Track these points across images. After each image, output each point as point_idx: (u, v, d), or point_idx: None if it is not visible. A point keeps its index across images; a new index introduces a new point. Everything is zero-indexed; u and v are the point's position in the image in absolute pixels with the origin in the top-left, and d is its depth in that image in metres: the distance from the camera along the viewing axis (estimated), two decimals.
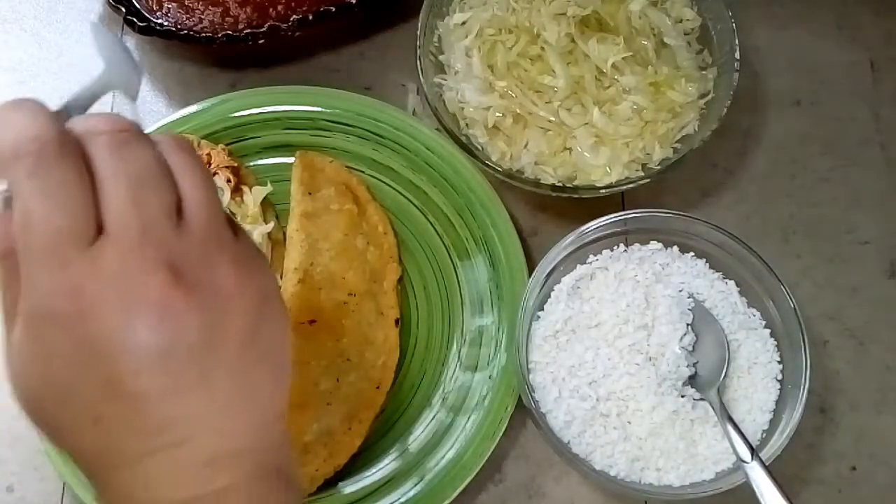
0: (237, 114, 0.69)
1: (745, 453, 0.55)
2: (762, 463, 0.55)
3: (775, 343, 0.61)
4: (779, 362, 0.60)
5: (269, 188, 0.67)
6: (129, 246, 0.32)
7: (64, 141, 0.33)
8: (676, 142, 0.67)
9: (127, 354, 0.32)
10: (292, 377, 0.60)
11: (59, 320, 0.32)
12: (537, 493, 0.63)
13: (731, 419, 0.57)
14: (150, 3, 0.73)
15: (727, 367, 0.60)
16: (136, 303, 0.32)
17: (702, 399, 0.59)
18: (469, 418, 0.62)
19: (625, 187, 0.64)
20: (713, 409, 0.58)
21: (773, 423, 0.59)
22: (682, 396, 0.59)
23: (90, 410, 0.33)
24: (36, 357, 0.33)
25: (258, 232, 0.64)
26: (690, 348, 0.60)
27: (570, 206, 0.68)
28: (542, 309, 0.63)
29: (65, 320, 0.32)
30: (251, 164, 0.69)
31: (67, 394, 0.33)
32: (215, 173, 0.65)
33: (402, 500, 0.60)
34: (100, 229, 0.33)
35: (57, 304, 0.32)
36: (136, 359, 0.32)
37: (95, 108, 0.37)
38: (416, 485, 0.60)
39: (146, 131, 0.65)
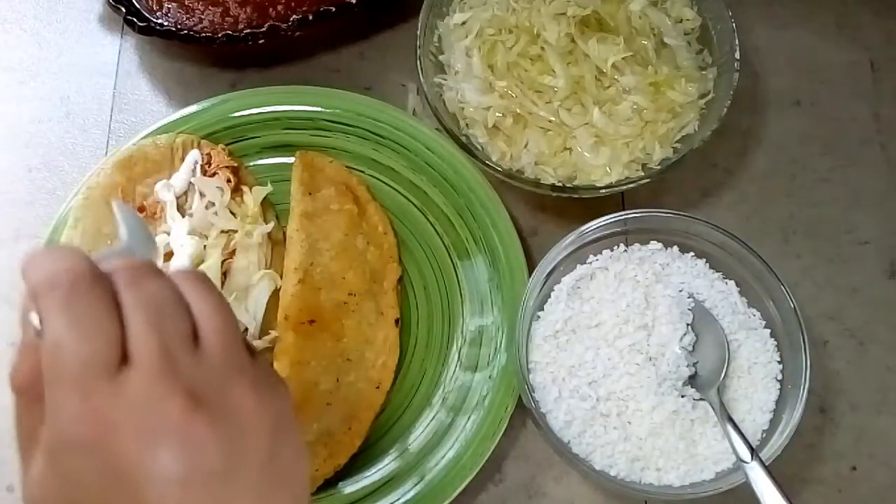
0: (237, 114, 0.69)
1: (744, 453, 0.55)
2: (762, 463, 0.55)
3: (775, 343, 0.61)
4: (779, 362, 0.60)
5: (269, 188, 0.67)
6: (149, 373, 0.34)
7: (95, 273, 0.35)
8: (676, 142, 0.67)
9: (150, 482, 0.33)
10: (291, 378, 0.61)
11: (82, 448, 0.33)
12: (537, 493, 0.63)
13: (730, 419, 0.57)
14: (150, 3, 0.73)
15: (727, 367, 0.60)
16: (158, 429, 0.33)
17: (702, 399, 0.59)
18: (469, 418, 0.62)
19: (625, 187, 0.64)
20: (713, 409, 0.58)
21: (773, 423, 0.59)
22: (682, 396, 0.59)
23: None
24: (59, 486, 0.34)
25: (258, 232, 0.64)
26: (690, 348, 0.60)
27: (570, 206, 0.68)
28: (542, 309, 0.63)
29: (89, 448, 0.33)
30: (251, 164, 0.69)
31: None
32: (215, 173, 0.65)
33: (402, 500, 0.60)
34: (125, 358, 0.34)
35: (81, 431, 0.33)
36: (159, 486, 0.33)
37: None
38: (416, 485, 0.60)
39: (146, 131, 0.67)
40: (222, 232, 0.64)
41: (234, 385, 0.35)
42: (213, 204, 0.64)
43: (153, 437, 0.33)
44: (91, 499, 0.34)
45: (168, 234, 0.63)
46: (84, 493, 0.34)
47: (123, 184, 0.65)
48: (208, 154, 0.66)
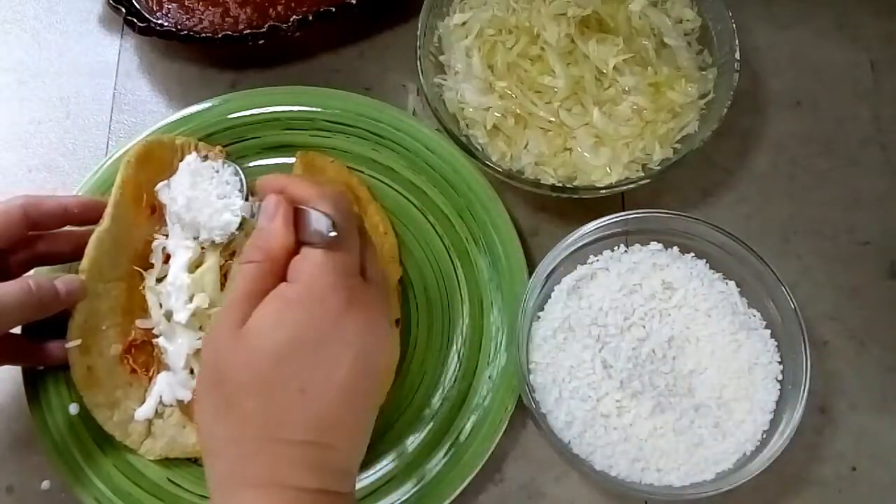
0: (237, 114, 0.69)
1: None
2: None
3: (776, 343, 0.61)
4: (779, 363, 0.60)
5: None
6: (377, 291, 0.51)
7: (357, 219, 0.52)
8: (676, 142, 0.67)
9: (354, 353, 0.47)
10: None
11: (330, 305, 0.47)
12: (537, 493, 0.63)
13: None
14: (150, 3, 0.73)
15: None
16: (376, 327, 0.49)
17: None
18: (469, 419, 0.62)
19: (625, 187, 0.64)
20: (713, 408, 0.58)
21: (774, 423, 0.59)
22: (683, 397, 0.59)
23: (304, 378, 0.46)
24: (290, 324, 0.46)
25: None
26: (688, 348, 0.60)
27: (571, 206, 0.68)
28: (543, 309, 0.63)
29: (335, 307, 0.47)
30: (251, 164, 0.69)
31: (298, 358, 0.46)
32: None
33: (402, 500, 0.60)
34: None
35: (337, 294, 0.47)
36: (357, 364, 0.47)
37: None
38: (415, 485, 0.60)
39: (146, 132, 0.68)
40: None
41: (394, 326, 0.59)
42: None
43: (371, 329, 0.48)
44: (311, 339, 0.46)
45: (167, 236, 0.63)
46: (308, 333, 0.46)
47: (143, 183, 0.64)
48: (205, 156, 0.66)
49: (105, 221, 0.60)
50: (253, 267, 0.48)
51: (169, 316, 0.60)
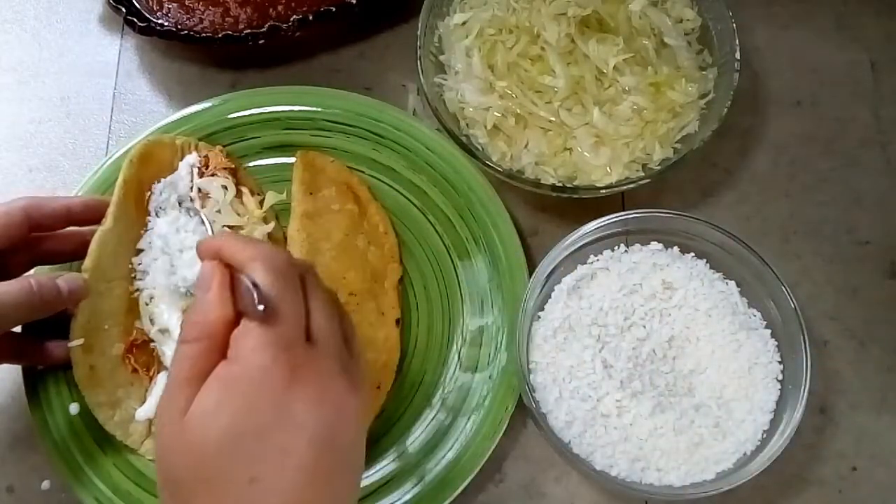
0: (237, 114, 0.69)
1: None
2: None
3: (776, 343, 0.61)
4: (779, 362, 0.60)
5: (282, 195, 0.66)
6: (329, 353, 0.45)
7: (297, 264, 0.47)
8: (677, 142, 0.67)
9: (308, 435, 0.42)
10: None
11: (271, 384, 0.42)
12: (537, 493, 0.63)
13: None
14: (151, 3, 0.73)
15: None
16: (328, 396, 0.44)
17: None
18: (469, 419, 0.62)
19: (625, 187, 0.64)
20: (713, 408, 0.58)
21: (774, 423, 0.59)
22: (683, 397, 0.59)
23: (253, 468, 0.42)
24: (229, 411, 0.42)
25: (259, 232, 0.64)
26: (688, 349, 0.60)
27: (571, 206, 0.68)
28: (543, 309, 0.63)
29: (277, 385, 0.42)
30: (251, 164, 0.69)
31: (241, 448, 0.42)
32: (213, 174, 0.65)
33: (402, 500, 0.60)
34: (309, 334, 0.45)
35: (276, 371, 0.42)
36: (314, 443, 0.42)
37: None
38: (415, 485, 0.60)
39: (146, 131, 0.68)
40: (226, 227, 0.64)
41: (364, 387, 0.47)
42: (217, 202, 0.64)
43: (321, 400, 0.43)
44: (255, 426, 0.42)
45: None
46: (250, 421, 0.42)
47: (144, 182, 0.64)
48: (206, 156, 0.66)
49: (108, 221, 0.60)
50: (190, 347, 0.44)
51: (163, 331, 0.60)
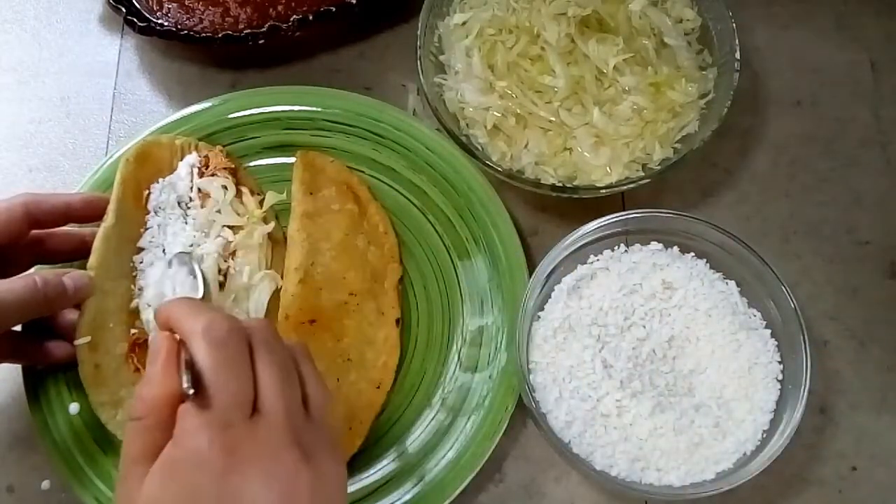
0: (237, 114, 0.69)
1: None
2: None
3: (776, 343, 0.61)
4: (779, 362, 0.60)
5: (282, 195, 0.67)
6: (276, 426, 0.43)
7: (241, 329, 0.44)
8: (677, 142, 0.67)
9: None
10: None
11: (210, 468, 0.41)
12: (537, 493, 0.63)
13: None
14: (151, 3, 0.73)
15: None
16: (276, 472, 0.42)
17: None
18: (469, 418, 0.62)
19: (625, 187, 0.64)
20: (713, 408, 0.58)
21: (774, 423, 0.59)
22: (683, 397, 0.59)
23: None
24: (175, 497, 0.41)
25: (259, 232, 0.64)
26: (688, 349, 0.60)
27: (571, 206, 0.68)
28: (543, 309, 0.63)
29: (216, 469, 0.41)
30: (251, 164, 0.69)
31: None
32: (214, 174, 0.65)
33: (402, 500, 0.60)
34: (254, 406, 0.43)
35: (216, 455, 0.41)
36: None
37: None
38: (415, 485, 0.60)
39: (146, 131, 0.68)
40: (225, 227, 0.64)
41: (327, 451, 0.45)
42: (217, 202, 0.64)
43: (270, 476, 0.41)
44: None
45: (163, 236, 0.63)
46: (197, 503, 0.40)
47: (142, 181, 0.64)
48: (206, 156, 0.66)
49: (109, 218, 0.60)
50: (136, 426, 0.43)
51: None
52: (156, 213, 0.63)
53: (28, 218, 0.58)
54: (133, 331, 0.61)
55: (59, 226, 0.61)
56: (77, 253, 0.61)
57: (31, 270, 0.61)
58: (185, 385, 0.42)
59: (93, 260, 0.59)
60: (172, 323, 0.45)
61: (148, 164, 0.64)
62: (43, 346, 0.60)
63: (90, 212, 0.61)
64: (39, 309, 0.55)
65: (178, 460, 0.41)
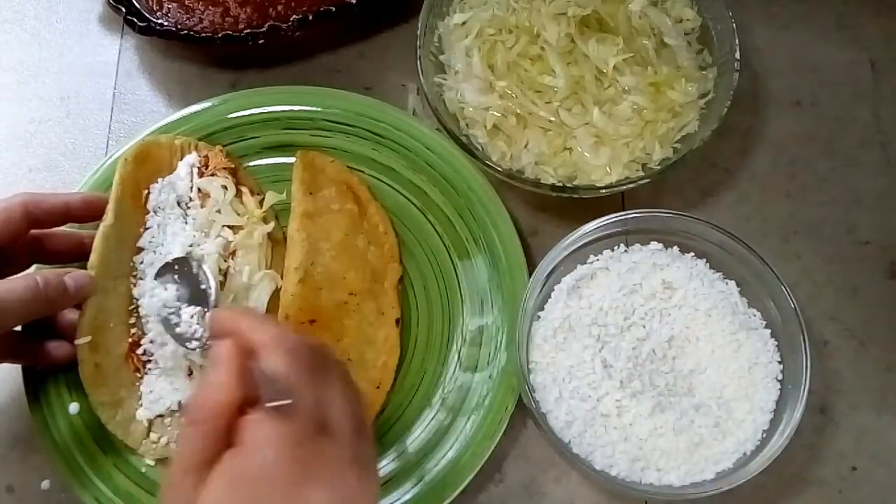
0: (237, 114, 0.69)
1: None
2: None
3: (776, 343, 0.61)
4: (779, 362, 0.60)
5: (282, 196, 0.67)
6: (343, 442, 0.44)
7: (309, 346, 0.46)
8: (676, 142, 0.67)
9: None
10: None
11: (281, 480, 0.41)
12: (537, 493, 0.63)
13: None
14: (150, 3, 0.73)
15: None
16: (341, 487, 0.43)
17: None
18: (469, 418, 0.62)
19: (625, 187, 0.64)
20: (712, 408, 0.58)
21: (773, 423, 0.59)
22: (683, 396, 0.59)
23: None
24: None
25: (259, 232, 0.64)
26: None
27: (571, 206, 0.68)
28: (543, 309, 0.63)
29: (286, 481, 0.41)
30: (251, 164, 0.69)
31: None
32: (213, 174, 0.65)
33: (402, 500, 0.60)
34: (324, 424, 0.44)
35: (286, 467, 0.42)
36: None
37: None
38: (415, 485, 0.60)
39: (146, 131, 0.67)
40: (225, 227, 0.64)
41: (372, 467, 0.49)
42: (217, 202, 0.64)
43: (334, 492, 0.42)
44: None
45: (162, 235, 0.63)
46: None
47: (141, 181, 0.64)
48: (205, 156, 0.66)
49: (109, 217, 0.60)
50: (195, 433, 0.43)
51: (153, 340, 0.60)
52: (155, 212, 0.63)
53: (27, 217, 0.58)
54: (132, 331, 0.61)
55: (58, 225, 0.61)
56: (76, 253, 0.61)
57: (31, 270, 0.61)
58: (267, 395, 0.42)
59: (93, 259, 0.59)
60: (246, 334, 0.46)
61: (147, 164, 0.64)
62: (43, 346, 0.60)
63: (89, 212, 0.61)
64: (40, 309, 0.55)
65: (248, 469, 0.42)
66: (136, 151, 0.64)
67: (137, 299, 0.61)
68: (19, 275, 0.55)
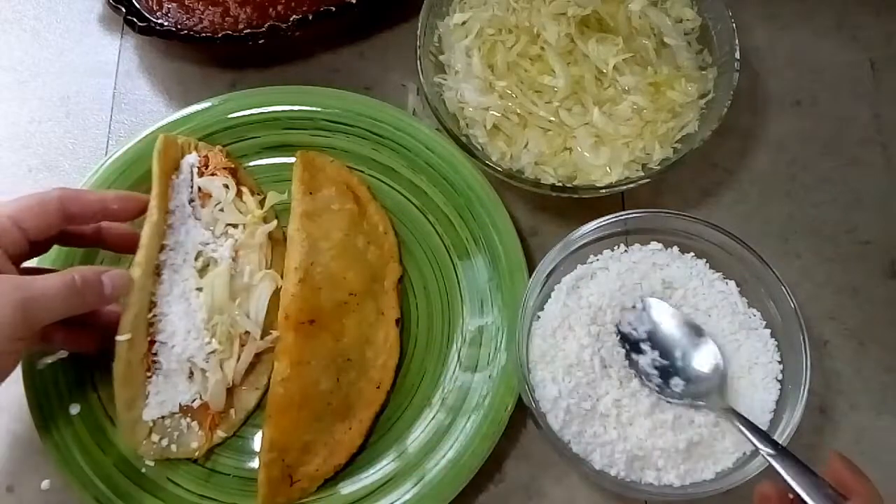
0: (237, 114, 0.69)
1: (768, 447, 0.55)
2: (788, 452, 0.54)
3: (776, 343, 0.61)
4: (779, 362, 0.60)
5: (283, 196, 0.66)
6: None
7: None
8: (676, 142, 0.67)
9: None
10: (292, 378, 0.61)
11: None
12: (537, 493, 0.63)
13: (743, 419, 0.56)
14: (150, 3, 0.73)
15: (725, 377, 0.60)
16: None
17: (702, 403, 0.59)
18: (469, 418, 0.62)
19: (625, 187, 0.64)
20: (714, 413, 0.58)
21: (773, 423, 0.59)
22: (682, 397, 0.59)
23: None
24: None
25: (260, 232, 0.65)
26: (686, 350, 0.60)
27: (570, 206, 0.68)
28: (543, 309, 0.63)
29: None
30: (251, 164, 0.69)
31: None
32: (214, 174, 0.65)
33: (402, 500, 0.60)
34: None
35: None
36: None
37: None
38: (415, 485, 0.60)
39: (146, 131, 0.66)
40: (230, 227, 0.64)
41: None
42: (219, 200, 0.64)
43: None
44: None
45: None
46: None
47: (169, 174, 0.64)
48: (205, 156, 0.66)
49: (154, 214, 0.60)
50: None
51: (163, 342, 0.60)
52: (173, 211, 0.63)
53: (63, 212, 0.56)
54: (151, 330, 0.60)
55: (92, 223, 0.60)
56: (131, 247, 0.60)
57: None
58: None
59: (140, 256, 0.59)
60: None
61: (168, 160, 0.64)
62: (87, 334, 0.60)
63: (125, 210, 0.60)
64: (76, 307, 0.54)
65: None
66: (163, 143, 0.63)
67: (157, 298, 0.61)
68: (58, 272, 0.55)
